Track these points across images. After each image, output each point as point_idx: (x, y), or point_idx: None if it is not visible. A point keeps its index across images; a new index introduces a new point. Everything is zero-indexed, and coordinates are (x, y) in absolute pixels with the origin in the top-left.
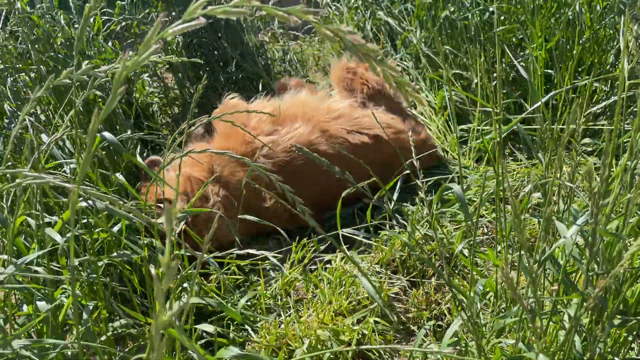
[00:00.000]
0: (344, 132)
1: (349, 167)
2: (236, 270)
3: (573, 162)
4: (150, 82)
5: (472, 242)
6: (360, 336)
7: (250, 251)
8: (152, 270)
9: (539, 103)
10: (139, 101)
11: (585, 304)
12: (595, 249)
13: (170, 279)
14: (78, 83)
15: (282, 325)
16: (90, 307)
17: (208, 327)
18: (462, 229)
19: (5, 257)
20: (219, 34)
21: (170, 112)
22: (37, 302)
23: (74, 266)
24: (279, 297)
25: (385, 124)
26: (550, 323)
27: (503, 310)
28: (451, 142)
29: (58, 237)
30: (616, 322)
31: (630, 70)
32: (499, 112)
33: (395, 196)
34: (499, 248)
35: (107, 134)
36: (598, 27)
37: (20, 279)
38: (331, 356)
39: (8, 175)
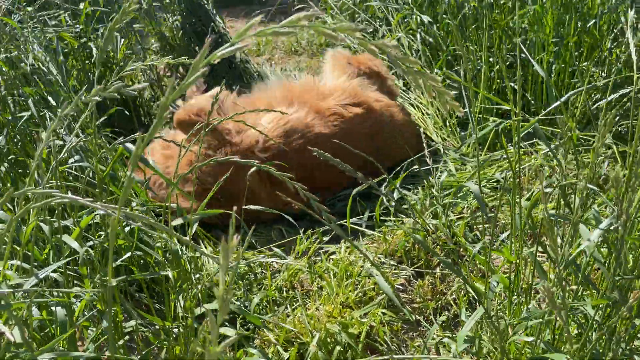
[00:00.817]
0: (337, 107)
1: (344, 141)
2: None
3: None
4: (142, 70)
5: (490, 241)
6: (368, 328)
7: (275, 259)
8: (170, 274)
9: (558, 103)
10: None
11: (618, 312)
12: (622, 254)
13: (224, 312)
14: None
15: (290, 318)
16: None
17: (229, 332)
18: (465, 220)
19: (17, 262)
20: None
21: None
22: (53, 308)
23: (111, 287)
24: (284, 290)
25: (375, 98)
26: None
27: (513, 302)
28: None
29: (76, 245)
30: (638, 322)
31: (628, 56)
32: (518, 113)
33: (398, 184)
34: (502, 236)
35: (130, 146)
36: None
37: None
38: (341, 349)
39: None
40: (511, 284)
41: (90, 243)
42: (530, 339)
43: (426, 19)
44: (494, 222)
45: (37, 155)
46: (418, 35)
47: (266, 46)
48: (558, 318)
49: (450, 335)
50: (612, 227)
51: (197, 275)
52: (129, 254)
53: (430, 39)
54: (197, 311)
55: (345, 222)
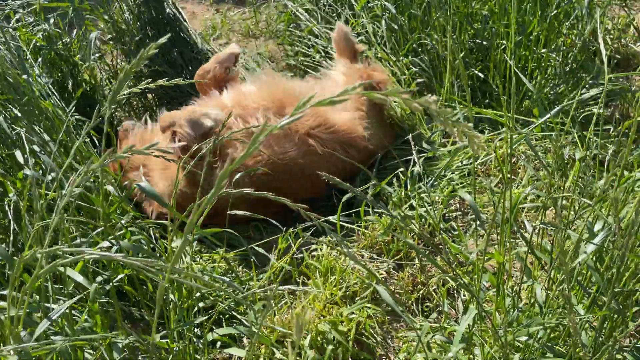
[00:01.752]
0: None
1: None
2: (219, 260)
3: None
4: (99, 64)
5: (484, 247)
6: (355, 323)
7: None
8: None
9: (548, 116)
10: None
11: (628, 328)
12: (622, 269)
13: None
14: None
15: (277, 317)
16: (120, 345)
17: (239, 352)
18: (440, 210)
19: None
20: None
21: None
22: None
23: (154, 343)
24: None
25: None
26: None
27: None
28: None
29: (80, 279)
30: (631, 326)
31: (583, 42)
32: (511, 125)
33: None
34: (471, 223)
35: (144, 185)
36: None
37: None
38: (332, 347)
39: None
40: (498, 281)
41: (100, 279)
42: (524, 338)
43: (390, 6)
44: (488, 234)
45: (56, 209)
46: (383, 22)
47: (222, 28)
48: (572, 330)
49: (437, 326)
50: (606, 241)
51: (198, 294)
52: (124, 275)
53: (395, 26)
54: (210, 336)
55: (343, 221)
